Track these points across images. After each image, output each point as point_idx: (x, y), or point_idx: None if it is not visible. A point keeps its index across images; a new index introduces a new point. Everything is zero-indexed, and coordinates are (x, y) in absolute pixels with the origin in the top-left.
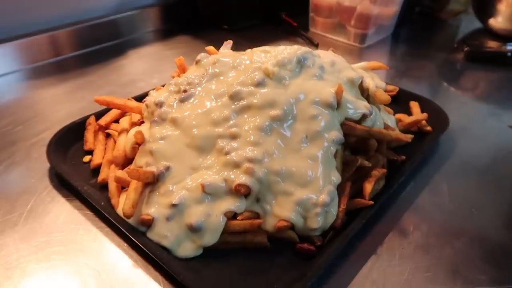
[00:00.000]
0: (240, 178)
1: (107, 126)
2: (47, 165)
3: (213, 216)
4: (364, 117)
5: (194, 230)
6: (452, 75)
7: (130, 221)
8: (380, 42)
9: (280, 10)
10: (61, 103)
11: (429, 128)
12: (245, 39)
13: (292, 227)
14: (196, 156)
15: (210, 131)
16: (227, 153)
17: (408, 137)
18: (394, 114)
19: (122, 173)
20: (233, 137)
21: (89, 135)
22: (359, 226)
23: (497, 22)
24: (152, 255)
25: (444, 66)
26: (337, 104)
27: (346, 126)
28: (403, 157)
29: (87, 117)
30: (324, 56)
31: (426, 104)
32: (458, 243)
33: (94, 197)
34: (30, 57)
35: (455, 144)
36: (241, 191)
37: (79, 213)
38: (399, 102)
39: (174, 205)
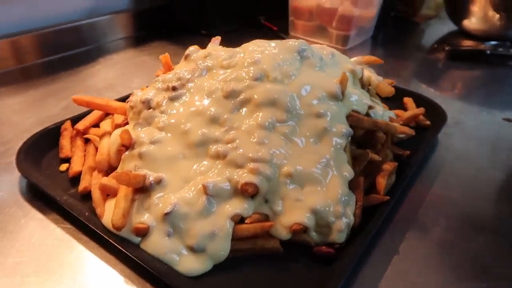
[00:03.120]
0: (245, 177)
1: (85, 131)
2: (17, 175)
3: (218, 226)
4: (370, 108)
5: (196, 250)
6: (435, 74)
7: (121, 232)
8: (362, 44)
9: (259, 14)
10: (29, 110)
11: (427, 122)
12: (224, 44)
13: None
14: (192, 160)
15: (207, 133)
16: (226, 155)
17: (412, 131)
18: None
19: (108, 180)
20: (232, 138)
21: (65, 141)
22: (378, 223)
23: (471, 23)
24: (148, 269)
25: (425, 65)
26: (342, 95)
27: (353, 117)
28: (408, 152)
29: (62, 122)
30: (321, 48)
31: (420, 99)
32: (481, 237)
33: (77, 208)
34: None
35: (452, 138)
36: (249, 191)
37: (58, 228)
38: (392, 99)
39: (167, 214)
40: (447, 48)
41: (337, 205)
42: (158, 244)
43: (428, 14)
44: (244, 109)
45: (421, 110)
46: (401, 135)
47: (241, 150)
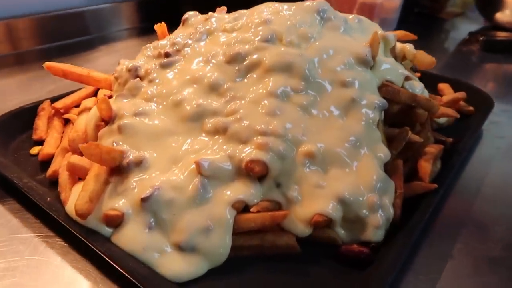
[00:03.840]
0: (252, 153)
1: (66, 111)
2: None
3: (216, 217)
4: (407, 80)
5: (185, 249)
6: (469, 66)
7: (87, 222)
8: None
9: None
10: (14, 93)
11: (470, 108)
12: None
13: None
14: (183, 136)
15: (203, 104)
16: (227, 129)
17: (456, 113)
18: None
19: (78, 159)
20: (235, 110)
21: (40, 122)
22: (425, 217)
23: (505, 15)
24: (119, 269)
25: (458, 58)
26: (373, 61)
27: (387, 89)
28: (451, 139)
29: (40, 102)
30: (345, 15)
31: (459, 85)
32: None
33: (37, 192)
34: None
35: (499, 126)
36: (255, 170)
37: (16, 219)
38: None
39: (145, 200)
40: (481, 38)
41: (371, 194)
42: (134, 238)
43: (454, 11)
44: (251, 75)
45: (462, 94)
46: (442, 121)
47: (246, 122)
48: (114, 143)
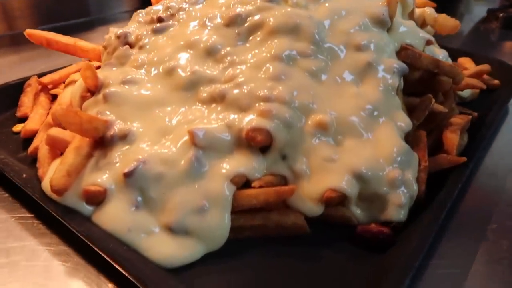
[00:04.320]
0: (253, 121)
1: (54, 86)
2: None
3: (212, 193)
4: (428, 44)
5: (176, 231)
6: (488, 44)
7: (64, 199)
8: None
9: None
10: (2, 73)
11: (496, 81)
12: None
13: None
14: (176, 106)
15: (199, 71)
16: (225, 96)
17: (482, 83)
18: None
19: (58, 131)
20: (234, 76)
21: (26, 98)
22: (453, 194)
23: None
24: (99, 252)
25: (476, 36)
26: (390, 21)
27: (407, 52)
28: (475, 114)
29: (27, 78)
30: None
31: (482, 60)
32: None
33: (13, 169)
34: None
35: None
36: (257, 139)
37: None
38: None
39: (128, 175)
40: (501, 15)
41: (391, 168)
42: (117, 217)
43: None
44: (253, 38)
45: (487, 66)
46: (465, 94)
47: (246, 88)
48: (99, 114)
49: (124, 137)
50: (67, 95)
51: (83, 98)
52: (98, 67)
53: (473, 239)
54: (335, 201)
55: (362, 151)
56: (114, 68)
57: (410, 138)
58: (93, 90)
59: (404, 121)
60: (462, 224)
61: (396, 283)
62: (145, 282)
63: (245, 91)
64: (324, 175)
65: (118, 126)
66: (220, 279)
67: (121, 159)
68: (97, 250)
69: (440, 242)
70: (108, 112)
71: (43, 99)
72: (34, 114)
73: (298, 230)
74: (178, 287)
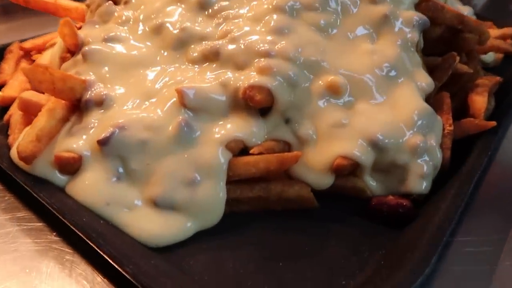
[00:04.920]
0: (252, 78)
1: (38, 51)
2: None
3: (204, 161)
4: None
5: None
6: (507, 14)
7: (34, 168)
8: None
9: None
10: None
11: None
12: None
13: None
14: (163, 66)
15: (189, 28)
16: (219, 53)
17: (510, 46)
18: None
19: (31, 94)
20: (229, 30)
21: (6, 65)
22: (483, 162)
23: None
24: (74, 228)
25: (492, 7)
26: None
27: (429, 4)
28: (500, 79)
29: (8, 44)
30: None
31: (503, 25)
32: None
33: None
34: None
35: None
36: (256, 99)
37: None
38: None
39: (102, 142)
40: None
41: (412, 132)
42: (94, 189)
43: None
44: None
45: (511, 29)
46: (488, 59)
47: (244, 42)
48: (77, 73)
49: (101, 102)
50: (47, 57)
51: (63, 60)
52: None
53: (503, 214)
54: (346, 170)
55: (378, 114)
56: (96, 26)
57: (431, 101)
58: (73, 50)
59: (425, 81)
60: (490, 197)
61: (421, 262)
62: (122, 261)
63: (242, 46)
64: (333, 140)
65: (96, 89)
66: (213, 259)
67: (98, 122)
68: (68, 224)
69: (466, 216)
70: (91, 73)
71: (24, 65)
72: (14, 80)
73: (303, 203)
74: (162, 267)
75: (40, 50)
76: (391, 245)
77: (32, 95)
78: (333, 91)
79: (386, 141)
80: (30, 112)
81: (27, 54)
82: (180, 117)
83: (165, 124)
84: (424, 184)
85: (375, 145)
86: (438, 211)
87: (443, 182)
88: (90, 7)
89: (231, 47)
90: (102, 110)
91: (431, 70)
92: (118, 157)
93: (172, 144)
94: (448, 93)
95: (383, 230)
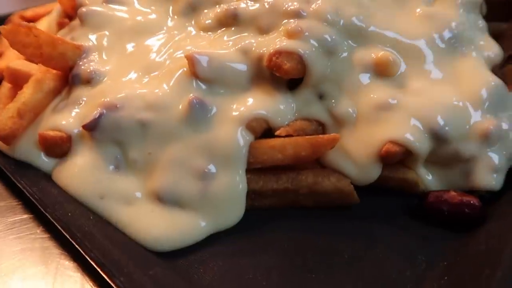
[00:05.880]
0: (279, 42)
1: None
2: None
3: (220, 145)
4: None
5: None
6: None
7: (16, 149)
8: None
9: None
10: None
11: None
12: None
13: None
14: (172, 33)
15: None
16: (236, 15)
17: None
18: None
19: (21, 63)
20: None
21: None
22: None
23: None
24: (56, 225)
25: None
26: None
27: None
28: None
29: (9, 14)
30: None
31: None
32: None
33: None
34: None
35: None
36: (284, 68)
37: None
38: None
39: (88, 127)
40: None
41: (480, 114)
42: (85, 177)
43: None
44: None
45: None
46: None
47: (268, 1)
48: (73, 39)
49: (89, 79)
50: (44, 25)
51: (60, 25)
52: None
53: None
54: (396, 158)
55: (436, 92)
56: None
57: (499, 75)
58: (72, 14)
59: (492, 50)
60: None
61: (505, 282)
62: (111, 270)
63: (266, 5)
64: (380, 122)
65: (87, 61)
66: (228, 267)
67: (88, 99)
68: (50, 218)
69: None
70: (89, 37)
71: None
72: (9, 52)
73: (341, 198)
74: (163, 278)
75: (39, 19)
76: (457, 256)
77: (21, 65)
78: (382, 69)
79: (447, 128)
80: (19, 84)
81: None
82: (192, 94)
83: (172, 101)
84: (496, 178)
85: (434, 132)
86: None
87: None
88: None
89: (251, 7)
90: (91, 87)
91: (495, 38)
92: (114, 141)
93: (181, 127)
94: None
95: (444, 234)
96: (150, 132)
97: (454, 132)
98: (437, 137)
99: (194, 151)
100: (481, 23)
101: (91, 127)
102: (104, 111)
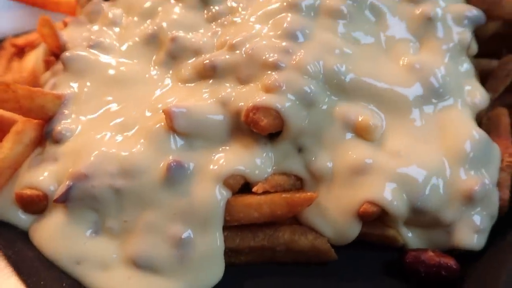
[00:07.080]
0: (257, 96)
1: (32, 48)
2: None
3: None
4: None
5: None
6: None
7: None
8: None
9: None
10: None
11: None
12: None
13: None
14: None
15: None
16: (215, 67)
17: None
18: None
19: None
20: (232, 33)
21: None
22: None
23: None
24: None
25: None
26: None
27: None
28: None
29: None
30: None
31: None
32: None
33: None
34: None
35: None
36: (261, 125)
37: None
38: None
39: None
40: None
41: (463, 171)
42: (61, 240)
43: None
44: None
45: None
46: None
47: (247, 50)
48: (55, 85)
49: (59, 139)
50: (31, 61)
51: (47, 64)
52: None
53: None
54: (374, 217)
55: (418, 151)
56: (82, 27)
57: (485, 120)
58: (57, 52)
59: (477, 95)
60: None
61: None
62: None
63: (244, 55)
64: (357, 182)
65: (61, 119)
66: None
67: (62, 157)
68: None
69: None
70: (61, 83)
71: (16, 64)
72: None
73: (318, 256)
74: None
75: (34, 46)
76: None
77: (4, 111)
78: (363, 133)
79: (427, 193)
80: (3, 130)
81: (20, 51)
82: (170, 156)
83: (148, 163)
84: (478, 238)
85: (411, 201)
86: (494, 273)
87: (497, 227)
88: (80, 1)
89: (230, 57)
90: (63, 145)
91: (483, 76)
92: (90, 208)
93: (157, 192)
94: (506, 110)
95: None
96: (125, 199)
97: (434, 201)
98: (415, 209)
99: (171, 217)
100: (468, 66)
101: (62, 200)
102: (72, 183)
